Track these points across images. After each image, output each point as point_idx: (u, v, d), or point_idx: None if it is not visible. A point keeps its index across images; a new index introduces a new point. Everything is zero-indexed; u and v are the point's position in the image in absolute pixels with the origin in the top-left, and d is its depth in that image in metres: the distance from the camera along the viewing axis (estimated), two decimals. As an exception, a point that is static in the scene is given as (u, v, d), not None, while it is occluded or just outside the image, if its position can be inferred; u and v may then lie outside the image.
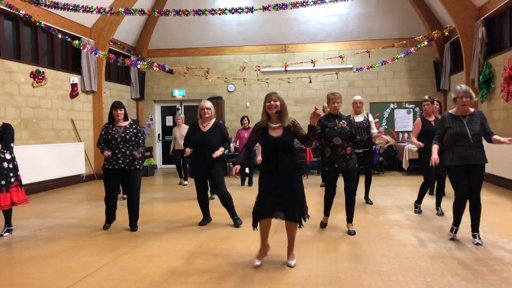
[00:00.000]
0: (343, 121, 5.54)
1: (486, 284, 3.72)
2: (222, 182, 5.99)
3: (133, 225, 5.91)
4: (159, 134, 15.24)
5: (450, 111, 5.10)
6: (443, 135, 5.06)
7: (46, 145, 9.96)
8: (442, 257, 4.45)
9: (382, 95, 13.90)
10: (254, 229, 4.38)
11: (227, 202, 6.01)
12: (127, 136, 5.76)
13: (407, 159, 11.37)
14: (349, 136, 5.52)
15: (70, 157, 10.74)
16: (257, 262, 4.31)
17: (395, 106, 13.86)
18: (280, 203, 4.18)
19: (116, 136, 5.74)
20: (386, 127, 13.62)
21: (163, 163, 15.27)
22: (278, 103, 4.33)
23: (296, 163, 4.35)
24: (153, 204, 7.96)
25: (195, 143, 5.89)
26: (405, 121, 13.81)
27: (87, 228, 6.10)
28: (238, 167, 4.41)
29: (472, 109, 4.99)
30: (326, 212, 5.81)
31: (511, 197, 7.90)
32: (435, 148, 5.10)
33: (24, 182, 8.85)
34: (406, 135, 13.71)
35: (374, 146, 11.79)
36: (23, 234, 5.84)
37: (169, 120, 15.22)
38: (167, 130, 15.18)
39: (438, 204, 6.64)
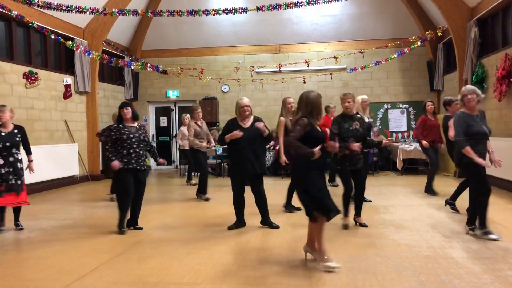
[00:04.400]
0: (356, 122, 5.68)
1: (480, 283, 3.74)
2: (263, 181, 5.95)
3: (137, 222, 5.99)
4: (153, 135, 15.19)
5: (462, 110, 5.17)
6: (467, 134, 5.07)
7: (39, 146, 9.87)
8: (436, 257, 4.47)
9: (376, 95, 13.93)
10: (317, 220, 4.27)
11: (266, 203, 5.87)
12: (141, 137, 5.85)
13: (401, 159, 11.44)
14: (360, 136, 5.64)
15: (64, 158, 10.68)
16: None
17: (389, 106, 13.90)
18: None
19: (131, 136, 5.76)
20: (380, 127, 13.66)
21: (158, 164, 15.16)
22: None
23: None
24: (147, 205, 7.92)
25: (244, 141, 5.63)
26: (399, 121, 13.86)
27: (81, 229, 6.08)
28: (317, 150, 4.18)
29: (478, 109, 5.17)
30: (346, 212, 5.75)
31: (505, 197, 7.95)
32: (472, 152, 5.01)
33: (17, 183, 8.96)
34: (400, 135, 13.76)
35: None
36: (17, 236, 5.81)
37: (163, 121, 15.18)
38: (161, 131, 15.15)
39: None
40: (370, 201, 7.52)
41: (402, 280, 3.85)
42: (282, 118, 6.54)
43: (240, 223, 5.91)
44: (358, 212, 5.91)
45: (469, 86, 5.16)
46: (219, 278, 4.00)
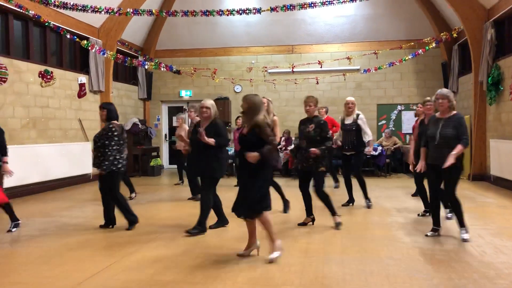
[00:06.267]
0: (312, 124, 5.76)
1: (494, 288, 3.69)
2: (209, 184, 5.71)
3: (109, 221, 6.04)
4: (165, 134, 15.28)
5: (436, 114, 5.40)
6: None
7: (53, 145, 10.01)
8: (449, 260, 4.42)
9: (389, 96, 13.84)
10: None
11: (201, 208, 5.72)
12: (95, 139, 5.90)
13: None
14: (313, 140, 5.70)
15: (78, 156, 10.78)
16: (241, 251, 4.68)
17: (403, 108, 13.79)
18: (238, 200, 4.56)
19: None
20: (394, 129, 13.56)
21: (170, 163, 15.29)
22: (245, 105, 4.61)
23: (261, 162, 4.47)
24: (159, 204, 7.97)
25: (192, 142, 5.81)
26: (412, 123, 13.61)
27: (93, 227, 6.12)
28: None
29: (454, 112, 5.21)
30: (331, 211, 5.93)
31: (519, 200, 7.83)
32: (422, 152, 5.47)
33: (31, 181, 9.10)
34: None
35: (381, 149, 11.82)
36: (31, 233, 5.87)
37: (176, 121, 15.23)
38: (173, 131, 15.19)
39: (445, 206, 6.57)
40: (369, 206, 7.26)
41: (414, 283, 3.82)
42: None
43: (221, 221, 6.00)
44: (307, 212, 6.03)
45: (445, 90, 5.27)
46: (231, 278, 4.00)
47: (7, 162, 5.92)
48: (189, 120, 10.38)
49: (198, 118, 7.99)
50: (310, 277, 4.01)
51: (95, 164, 5.92)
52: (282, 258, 4.52)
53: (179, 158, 10.33)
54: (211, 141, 5.46)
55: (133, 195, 8.40)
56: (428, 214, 6.36)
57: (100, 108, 5.95)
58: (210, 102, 5.75)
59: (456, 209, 5.20)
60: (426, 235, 5.34)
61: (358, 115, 7.22)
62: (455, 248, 4.87)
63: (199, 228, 5.60)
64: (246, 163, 4.47)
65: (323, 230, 5.75)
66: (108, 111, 5.89)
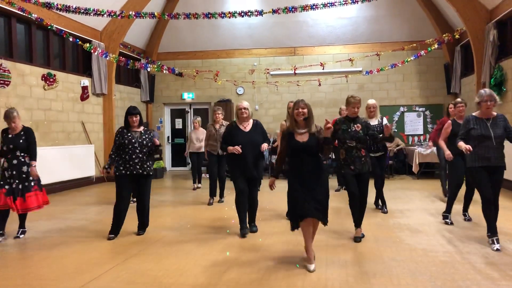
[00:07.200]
0: (358, 124, 5.48)
1: (498, 289, 3.68)
2: (258, 186, 5.99)
3: (141, 229, 5.90)
4: (168, 137, 15.29)
5: (473, 114, 5.22)
6: (467, 135, 5.12)
7: (56, 147, 10.04)
8: (453, 262, 4.41)
9: (392, 98, 13.83)
10: (294, 230, 4.53)
11: (255, 208, 5.91)
12: (144, 142, 5.73)
13: (417, 163, 11.29)
14: (363, 139, 5.44)
15: (80, 159, 10.81)
16: (312, 266, 4.28)
17: (405, 109, 13.78)
18: (312, 202, 4.37)
19: (133, 141, 5.68)
20: (396, 130, 13.54)
21: (172, 166, 15.31)
22: (305, 110, 4.51)
23: (322, 166, 4.59)
24: (162, 207, 7.98)
25: (240, 144, 5.67)
26: (415, 124, 13.72)
27: (97, 230, 6.14)
28: (273, 179, 4.70)
29: (495, 113, 5.13)
30: (357, 223, 5.40)
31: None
32: (462, 143, 5.05)
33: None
34: (416, 138, 13.62)
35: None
36: (35, 235, 5.89)
37: (178, 123, 15.27)
38: (176, 133, 15.24)
39: (465, 209, 6.44)
40: (386, 212, 7.08)
41: (418, 285, 3.81)
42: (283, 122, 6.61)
43: (244, 224, 5.78)
44: (358, 223, 5.42)
45: (488, 90, 5.13)
46: (234, 280, 4.00)
47: (35, 166, 5.81)
48: (193, 123, 10.34)
49: (223, 121, 8.13)
50: (312, 279, 4.01)
51: (142, 168, 5.71)
52: (285, 261, 4.53)
53: (193, 162, 10.11)
54: (266, 145, 5.76)
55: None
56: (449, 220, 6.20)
57: (133, 114, 5.72)
58: (246, 103, 5.92)
59: (496, 214, 5.07)
60: (498, 250, 4.80)
61: (382, 117, 7.11)
62: (458, 249, 4.85)
63: (255, 225, 5.96)
64: (314, 168, 4.44)
65: (325, 232, 5.74)
66: (140, 116, 5.87)
